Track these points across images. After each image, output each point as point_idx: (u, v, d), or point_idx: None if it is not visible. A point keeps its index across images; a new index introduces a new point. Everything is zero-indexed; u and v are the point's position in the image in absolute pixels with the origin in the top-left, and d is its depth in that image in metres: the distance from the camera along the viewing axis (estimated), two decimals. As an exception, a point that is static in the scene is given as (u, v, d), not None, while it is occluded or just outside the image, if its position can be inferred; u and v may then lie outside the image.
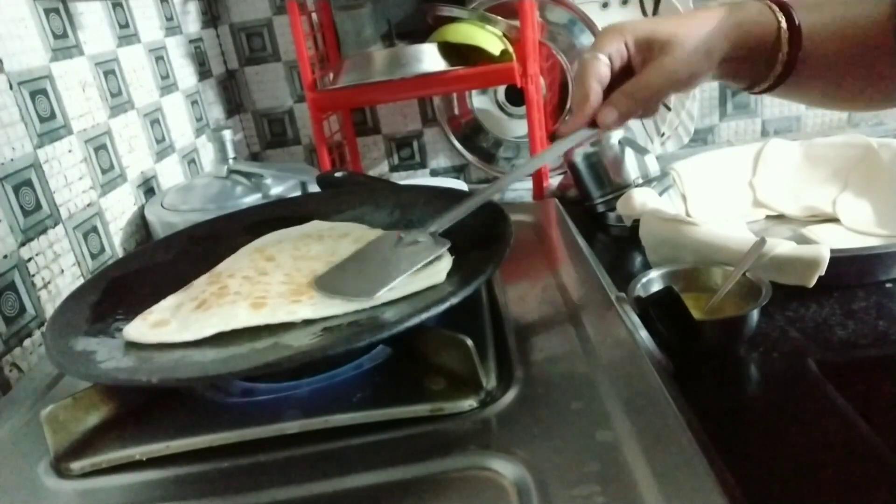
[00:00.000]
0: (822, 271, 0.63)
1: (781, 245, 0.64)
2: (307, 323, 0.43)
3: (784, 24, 0.51)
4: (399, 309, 0.43)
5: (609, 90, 0.53)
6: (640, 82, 0.52)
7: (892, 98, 0.55)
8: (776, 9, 0.52)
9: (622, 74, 0.53)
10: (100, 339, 0.45)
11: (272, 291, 0.46)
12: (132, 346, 0.44)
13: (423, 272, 0.46)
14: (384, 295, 0.44)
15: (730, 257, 0.65)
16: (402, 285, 0.45)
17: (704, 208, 0.89)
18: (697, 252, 0.69)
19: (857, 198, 0.86)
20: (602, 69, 0.52)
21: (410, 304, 0.43)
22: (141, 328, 0.45)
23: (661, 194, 0.86)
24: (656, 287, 0.64)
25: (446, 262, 0.47)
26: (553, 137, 0.60)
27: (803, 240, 0.80)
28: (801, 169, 0.92)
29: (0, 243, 0.61)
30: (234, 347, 0.42)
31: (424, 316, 0.38)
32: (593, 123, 0.53)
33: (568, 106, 1.13)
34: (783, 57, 0.52)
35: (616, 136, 0.91)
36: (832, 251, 0.63)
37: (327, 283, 0.46)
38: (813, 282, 0.63)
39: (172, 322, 0.45)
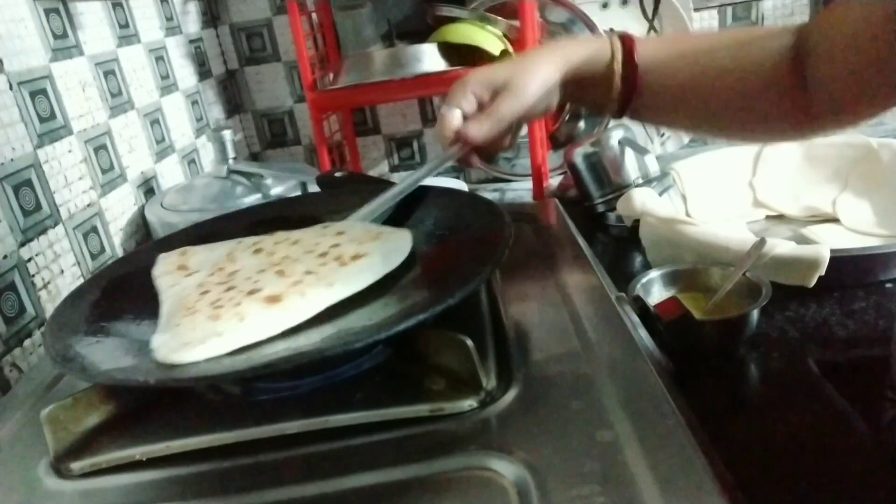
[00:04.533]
0: (823, 271, 0.63)
1: (781, 245, 0.64)
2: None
3: (620, 56, 0.57)
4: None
5: None
6: (490, 109, 0.58)
7: (776, 131, 0.59)
8: (616, 40, 0.57)
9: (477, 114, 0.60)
10: (99, 338, 0.45)
11: (278, 283, 0.46)
12: (129, 338, 0.44)
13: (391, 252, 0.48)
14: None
15: (730, 257, 0.65)
16: (370, 268, 0.46)
17: (704, 208, 0.89)
18: (697, 252, 0.69)
19: (857, 198, 0.86)
20: (456, 117, 0.59)
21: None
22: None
23: (661, 194, 0.86)
24: (657, 287, 0.64)
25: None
26: (552, 138, 0.66)
27: (803, 240, 0.80)
28: (801, 169, 0.92)
29: (0, 243, 0.61)
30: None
31: (424, 316, 0.38)
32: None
33: (566, 113, 1.13)
34: (615, 94, 0.57)
35: (616, 136, 0.91)
36: (832, 251, 0.63)
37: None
38: (813, 282, 0.63)
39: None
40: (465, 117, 0.59)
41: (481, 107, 0.59)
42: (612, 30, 0.61)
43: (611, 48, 0.57)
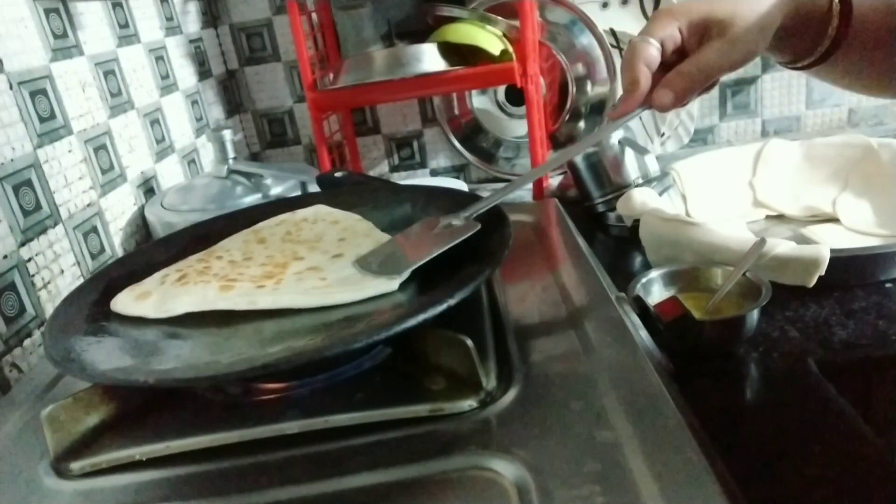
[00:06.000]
0: (823, 271, 0.63)
1: (781, 245, 0.64)
2: (308, 312, 0.44)
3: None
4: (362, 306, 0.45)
5: (659, 73, 0.53)
6: (698, 62, 0.51)
7: None
8: None
9: (674, 57, 0.53)
10: (99, 338, 0.45)
11: (246, 275, 0.49)
12: (129, 338, 0.44)
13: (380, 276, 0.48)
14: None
15: (730, 257, 0.65)
16: (356, 289, 0.46)
17: (704, 208, 0.89)
18: (697, 252, 0.69)
19: (857, 198, 0.86)
20: (652, 52, 0.51)
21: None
22: (126, 300, 0.48)
23: (661, 194, 0.86)
24: (657, 287, 0.64)
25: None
26: (552, 138, 0.61)
27: (803, 240, 0.80)
28: (801, 169, 0.92)
29: (0, 243, 0.61)
30: (234, 340, 0.42)
31: (423, 317, 0.38)
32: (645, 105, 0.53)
33: (565, 112, 1.13)
34: (832, 32, 0.52)
35: (616, 136, 0.91)
36: (832, 251, 0.63)
37: (364, 262, 0.49)
38: (813, 282, 0.63)
39: (154, 295, 0.48)
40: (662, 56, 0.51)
41: (678, 51, 0.52)
42: None
43: None
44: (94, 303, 0.49)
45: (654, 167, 0.93)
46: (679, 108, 1.11)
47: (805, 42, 0.54)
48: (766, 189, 0.91)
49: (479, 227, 0.49)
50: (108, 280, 0.53)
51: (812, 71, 0.56)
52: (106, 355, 0.42)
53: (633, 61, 0.51)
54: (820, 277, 0.63)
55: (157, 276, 0.51)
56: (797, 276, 0.64)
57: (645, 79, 0.51)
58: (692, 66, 0.51)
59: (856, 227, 0.82)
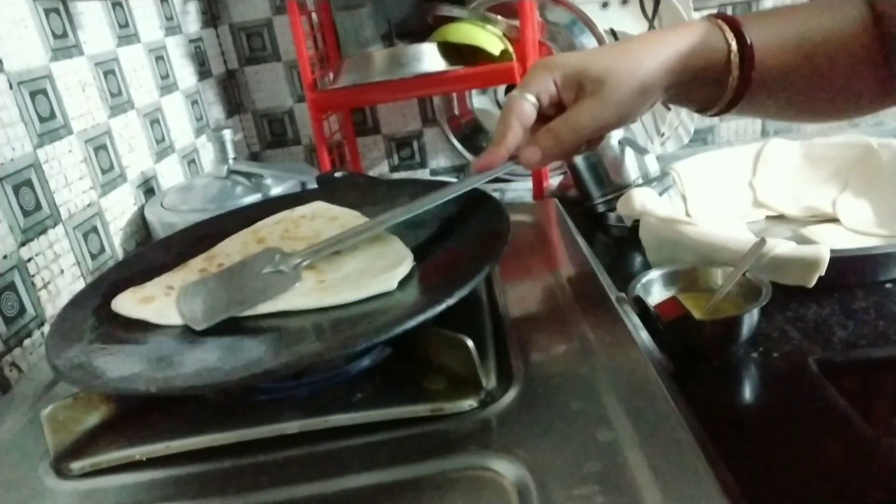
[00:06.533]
0: (823, 271, 0.63)
1: (781, 245, 0.64)
2: (309, 312, 0.45)
3: (735, 47, 0.48)
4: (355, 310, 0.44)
5: (538, 125, 0.50)
6: (567, 121, 0.49)
7: (866, 107, 0.54)
8: (726, 28, 0.49)
9: (552, 110, 0.51)
10: (102, 344, 0.44)
11: None
12: (132, 345, 0.44)
13: (378, 276, 0.46)
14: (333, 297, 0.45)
15: (730, 257, 0.65)
16: (355, 289, 0.45)
17: (704, 208, 0.89)
18: (697, 252, 0.69)
19: (857, 198, 0.86)
20: (526, 108, 0.49)
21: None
22: (128, 301, 0.48)
23: (660, 194, 0.86)
24: (657, 287, 0.64)
25: (403, 268, 0.47)
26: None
27: (803, 240, 0.80)
28: (801, 169, 0.92)
29: (0, 243, 0.61)
30: (234, 338, 0.43)
31: (422, 317, 0.38)
32: (515, 158, 0.51)
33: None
34: (734, 81, 0.49)
35: (616, 136, 0.91)
36: (832, 251, 0.63)
37: (185, 294, 0.48)
38: (813, 282, 0.63)
39: (156, 301, 0.48)
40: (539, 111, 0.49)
41: (558, 104, 0.49)
42: (715, 15, 0.50)
43: (722, 35, 0.48)
44: (95, 307, 0.49)
45: (654, 167, 0.93)
46: (667, 112, 1.11)
47: (706, 93, 0.51)
48: (766, 189, 0.91)
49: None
50: (109, 283, 0.52)
51: (733, 112, 0.53)
52: (109, 363, 0.42)
53: (506, 116, 0.49)
54: (820, 277, 0.63)
55: (160, 280, 0.51)
56: (797, 276, 0.64)
57: (514, 135, 0.49)
58: (562, 125, 0.49)
59: (856, 227, 0.82)
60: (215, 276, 0.50)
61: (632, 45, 0.50)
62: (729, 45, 0.48)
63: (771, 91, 0.51)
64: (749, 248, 0.64)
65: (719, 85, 0.49)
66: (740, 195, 0.92)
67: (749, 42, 0.48)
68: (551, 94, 0.49)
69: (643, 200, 0.79)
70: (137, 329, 0.46)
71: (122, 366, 0.42)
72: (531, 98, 0.49)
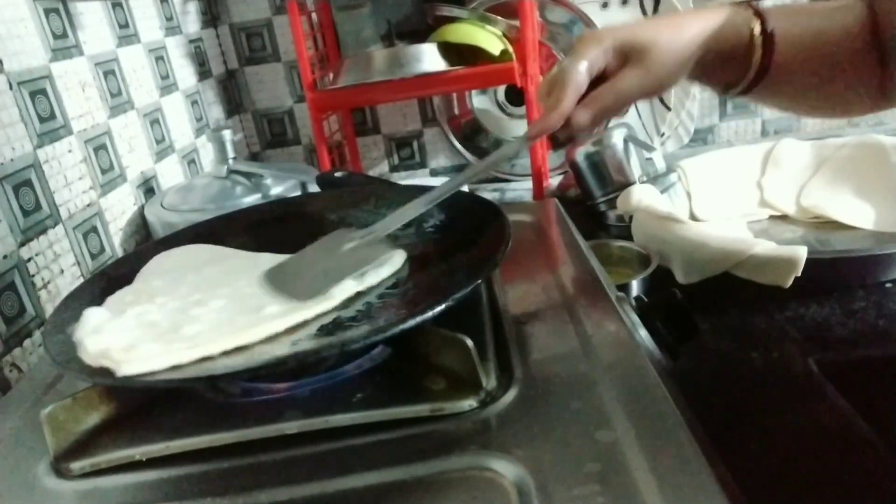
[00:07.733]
0: (799, 272, 0.62)
1: (760, 245, 0.64)
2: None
3: (758, 31, 0.51)
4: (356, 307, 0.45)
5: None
6: (614, 87, 0.52)
7: (864, 108, 0.57)
8: (751, 14, 0.52)
9: (595, 78, 0.54)
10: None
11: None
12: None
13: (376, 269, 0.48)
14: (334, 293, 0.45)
15: (710, 255, 0.65)
16: (356, 282, 0.46)
17: (709, 206, 0.89)
18: (681, 249, 0.69)
19: (865, 198, 0.85)
20: (580, 78, 0.51)
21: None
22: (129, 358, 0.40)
23: (662, 192, 0.86)
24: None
25: (398, 257, 0.49)
26: (551, 138, 0.64)
27: (804, 241, 0.80)
28: (810, 169, 0.91)
29: (0, 243, 0.61)
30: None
31: (422, 318, 0.38)
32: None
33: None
34: (756, 62, 0.52)
35: (619, 134, 0.91)
36: (833, 251, 0.63)
37: (274, 278, 0.47)
38: (789, 282, 0.63)
39: (144, 346, 0.41)
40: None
41: (602, 73, 0.52)
42: (738, 3, 0.54)
43: (747, 17, 0.52)
44: (92, 303, 0.49)
45: (659, 164, 0.92)
46: (667, 112, 1.11)
47: (730, 72, 0.54)
48: (773, 189, 0.91)
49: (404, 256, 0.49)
50: (108, 280, 0.53)
51: (750, 97, 0.57)
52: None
53: (563, 85, 0.51)
54: (820, 277, 0.63)
55: (127, 317, 0.45)
56: (774, 276, 0.64)
57: (568, 103, 0.51)
58: (609, 92, 0.52)
59: (862, 228, 0.81)
60: (296, 259, 0.50)
61: (672, 20, 0.56)
62: (752, 29, 0.52)
63: (787, 79, 0.54)
64: (729, 246, 0.65)
65: (743, 65, 0.53)
66: (747, 194, 0.91)
67: (770, 29, 0.52)
68: (599, 64, 0.52)
69: (640, 197, 0.79)
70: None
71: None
72: (585, 67, 0.51)
